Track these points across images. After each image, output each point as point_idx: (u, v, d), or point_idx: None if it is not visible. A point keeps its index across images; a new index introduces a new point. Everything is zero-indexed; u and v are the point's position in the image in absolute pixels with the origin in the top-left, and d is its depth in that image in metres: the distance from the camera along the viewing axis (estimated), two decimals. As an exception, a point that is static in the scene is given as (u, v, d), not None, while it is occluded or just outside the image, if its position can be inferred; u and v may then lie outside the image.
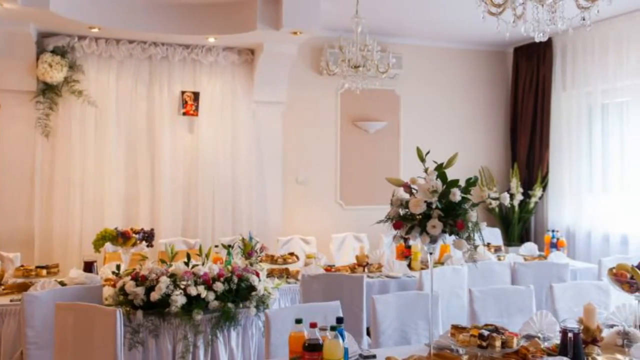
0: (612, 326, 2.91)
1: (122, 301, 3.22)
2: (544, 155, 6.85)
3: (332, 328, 2.24)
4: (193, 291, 3.16)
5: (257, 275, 3.47)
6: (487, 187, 7.10)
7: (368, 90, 5.26)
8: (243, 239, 4.49)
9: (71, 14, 5.08)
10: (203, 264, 3.52)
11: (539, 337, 2.76)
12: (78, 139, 5.76)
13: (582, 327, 2.61)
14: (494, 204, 6.85)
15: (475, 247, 2.47)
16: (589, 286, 3.64)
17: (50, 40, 5.64)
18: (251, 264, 4.04)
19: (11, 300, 3.67)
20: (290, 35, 5.58)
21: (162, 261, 3.67)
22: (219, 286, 3.23)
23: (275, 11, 5.37)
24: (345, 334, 2.45)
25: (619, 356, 2.58)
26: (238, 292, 3.29)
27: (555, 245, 5.39)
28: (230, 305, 3.22)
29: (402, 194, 2.53)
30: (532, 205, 6.89)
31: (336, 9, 5.52)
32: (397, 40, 6.83)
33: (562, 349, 2.43)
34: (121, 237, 4.38)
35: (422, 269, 4.74)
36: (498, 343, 2.37)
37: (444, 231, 2.41)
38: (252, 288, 3.35)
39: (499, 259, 5.05)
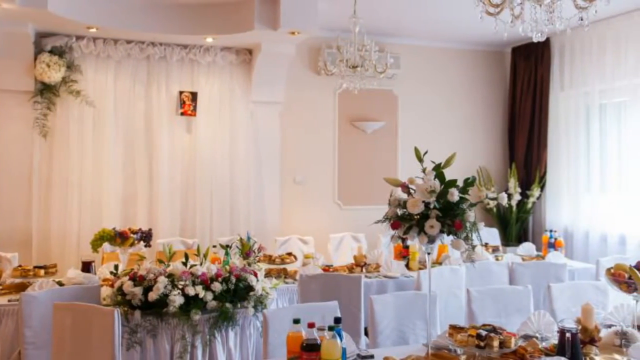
0: (610, 326, 2.91)
1: (120, 301, 3.22)
2: (541, 155, 6.85)
3: (330, 328, 2.24)
4: (191, 291, 3.16)
5: (255, 275, 3.47)
6: (485, 187, 7.09)
7: (366, 90, 5.25)
8: (241, 239, 4.48)
9: (69, 14, 5.08)
10: (201, 264, 3.51)
11: (536, 337, 2.76)
12: (76, 139, 5.76)
13: (579, 327, 2.61)
14: (492, 204, 6.85)
15: (473, 247, 2.48)
16: (586, 286, 3.64)
17: (48, 40, 5.63)
18: (249, 264, 4.05)
19: (9, 300, 3.66)
20: (288, 35, 5.58)
21: (160, 261, 3.66)
22: (217, 286, 3.23)
23: (273, 11, 5.38)
24: (343, 334, 2.45)
25: (616, 356, 2.58)
26: (236, 292, 3.29)
27: (553, 246, 5.39)
28: (228, 305, 3.22)
29: (400, 194, 2.54)
30: (530, 205, 6.89)
31: (334, 9, 5.52)
32: (394, 40, 6.83)
33: (559, 349, 2.44)
34: (119, 237, 4.37)
35: (420, 269, 4.73)
36: (496, 343, 2.37)
37: (441, 231, 2.41)
38: (250, 288, 3.35)
39: (497, 259, 5.05)
